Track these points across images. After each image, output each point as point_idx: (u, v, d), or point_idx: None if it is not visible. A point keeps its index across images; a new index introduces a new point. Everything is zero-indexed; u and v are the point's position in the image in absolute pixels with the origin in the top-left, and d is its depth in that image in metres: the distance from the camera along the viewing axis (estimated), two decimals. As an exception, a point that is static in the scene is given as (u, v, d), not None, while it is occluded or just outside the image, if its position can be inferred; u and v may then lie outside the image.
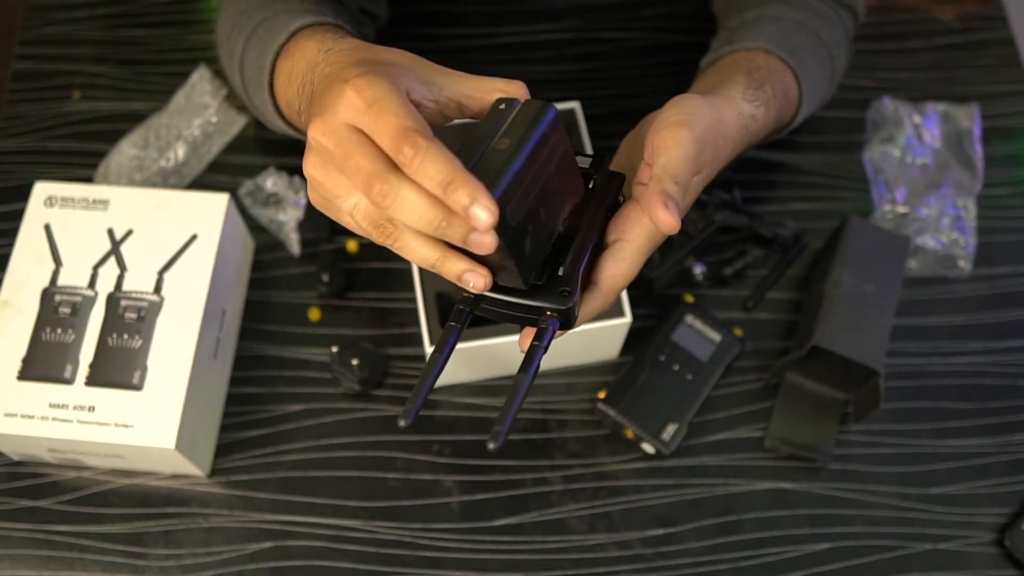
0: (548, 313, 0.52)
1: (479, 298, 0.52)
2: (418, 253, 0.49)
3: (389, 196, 0.46)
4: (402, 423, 0.46)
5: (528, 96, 0.53)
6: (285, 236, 0.85)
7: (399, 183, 0.46)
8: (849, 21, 0.78)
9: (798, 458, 0.79)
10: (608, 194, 0.56)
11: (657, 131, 0.55)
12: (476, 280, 0.49)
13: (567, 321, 0.52)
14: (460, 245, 0.47)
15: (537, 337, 0.51)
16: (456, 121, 0.79)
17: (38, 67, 0.94)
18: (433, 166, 0.44)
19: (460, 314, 0.52)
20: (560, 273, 0.52)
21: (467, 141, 0.48)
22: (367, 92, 0.47)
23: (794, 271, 0.86)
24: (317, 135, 0.48)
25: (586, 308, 0.55)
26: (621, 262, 0.54)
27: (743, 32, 0.74)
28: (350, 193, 0.49)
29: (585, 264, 0.53)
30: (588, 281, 0.54)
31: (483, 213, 0.44)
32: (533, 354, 0.51)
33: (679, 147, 0.54)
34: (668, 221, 0.52)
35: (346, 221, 0.51)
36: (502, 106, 0.50)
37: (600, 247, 0.55)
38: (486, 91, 0.52)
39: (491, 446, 0.46)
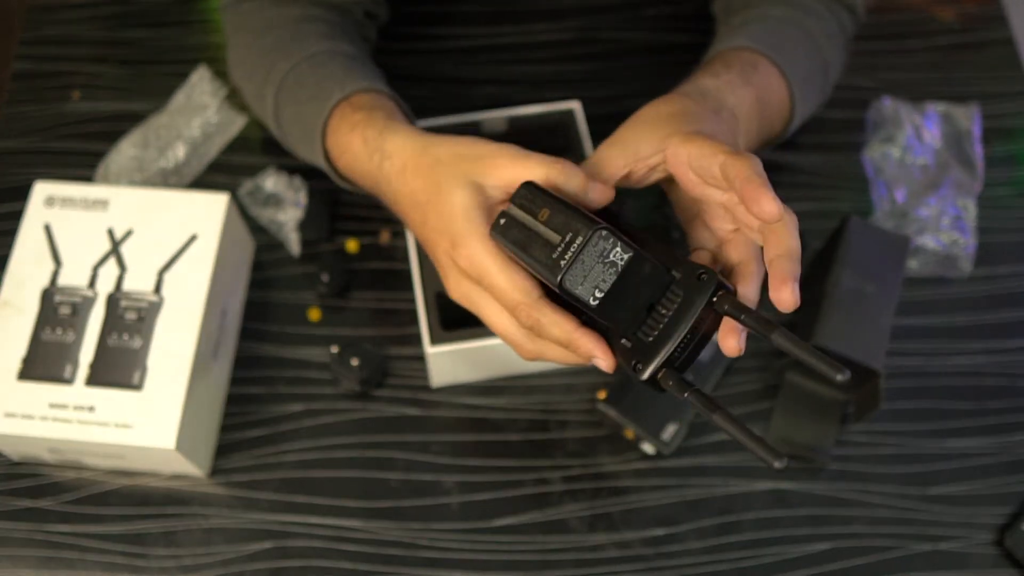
0: (701, 275, 0.52)
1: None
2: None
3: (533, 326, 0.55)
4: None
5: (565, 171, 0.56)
6: (285, 236, 0.85)
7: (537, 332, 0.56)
8: (847, 19, 0.78)
9: (798, 458, 0.79)
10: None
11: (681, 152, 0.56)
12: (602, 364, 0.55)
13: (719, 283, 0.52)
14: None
15: (731, 307, 0.51)
16: (450, 120, 0.79)
17: (38, 67, 0.94)
18: (551, 330, 0.54)
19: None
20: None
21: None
22: (471, 270, 0.56)
23: (794, 271, 0.86)
24: (453, 295, 0.59)
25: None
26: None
27: (722, 39, 0.74)
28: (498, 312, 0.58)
29: None
30: None
31: (601, 362, 0.54)
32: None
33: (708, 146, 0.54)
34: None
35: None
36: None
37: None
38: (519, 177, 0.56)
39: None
